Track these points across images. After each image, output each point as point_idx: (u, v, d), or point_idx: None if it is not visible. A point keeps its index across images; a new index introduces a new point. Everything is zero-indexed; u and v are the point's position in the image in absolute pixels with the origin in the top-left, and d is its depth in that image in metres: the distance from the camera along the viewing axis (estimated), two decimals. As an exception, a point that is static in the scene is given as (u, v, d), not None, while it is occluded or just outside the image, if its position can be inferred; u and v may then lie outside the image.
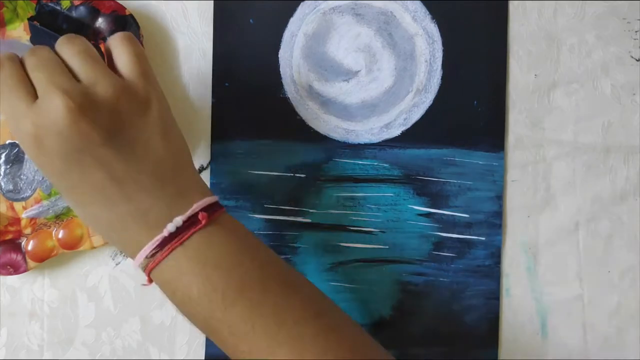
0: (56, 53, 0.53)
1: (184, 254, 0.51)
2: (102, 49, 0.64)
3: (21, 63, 0.51)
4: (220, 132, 0.67)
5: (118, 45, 0.54)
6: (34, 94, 0.49)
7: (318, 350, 0.50)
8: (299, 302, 0.52)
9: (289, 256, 0.67)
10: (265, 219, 0.67)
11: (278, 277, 0.53)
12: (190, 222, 0.51)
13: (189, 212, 0.51)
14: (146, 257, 0.51)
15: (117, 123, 0.50)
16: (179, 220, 0.51)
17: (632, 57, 0.68)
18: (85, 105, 0.48)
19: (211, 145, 0.67)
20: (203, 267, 0.51)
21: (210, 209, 0.52)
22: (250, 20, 0.67)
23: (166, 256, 0.51)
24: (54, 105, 0.48)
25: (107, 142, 0.49)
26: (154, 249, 0.51)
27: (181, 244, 0.51)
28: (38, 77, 0.49)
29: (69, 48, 0.52)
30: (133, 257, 0.52)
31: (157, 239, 0.51)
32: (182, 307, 0.53)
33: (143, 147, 0.51)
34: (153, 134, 0.52)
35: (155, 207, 0.51)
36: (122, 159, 0.50)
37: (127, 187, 0.51)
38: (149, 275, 0.53)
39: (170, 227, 0.51)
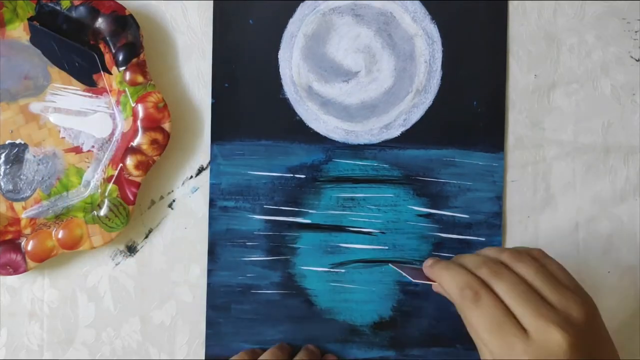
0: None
1: None
2: (102, 49, 0.64)
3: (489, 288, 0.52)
4: (220, 132, 0.67)
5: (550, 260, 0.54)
6: (521, 327, 0.49)
7: None
8: None
9: (288, 257, 0.67)
10: (265, 219, 0.67)
11: None
12: None
13: None
14: None
15: (591, 342, 0.50)
16: None
17: (631, 57, 0.68)
18: (577, 335, 0.48)
19: (211, 145, 0.67)
20: None
21: None
22: (250, 21, 0.67)
23: None
24: (555, 340, 0.48)
25: None
26: None
27: None
28: (521, 308, 0.49)
29: (524, 265, 0.52)
30: None
31: None
32: None
33: (607, 356, 0.51)
34: (607, 339, 0.52)
35: None
36: None
37: None
38: None
39: None
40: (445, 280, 0.53)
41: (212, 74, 0.67)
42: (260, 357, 0.63)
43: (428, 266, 0.56)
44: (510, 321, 0.49)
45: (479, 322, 0.50)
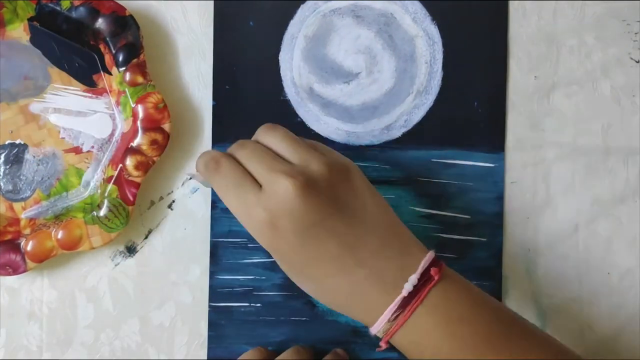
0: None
1: (425, 312, 0.51)
2: (102, 50, 0.64)
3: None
4: (221, 134, 0.67)
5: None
6: (257, 184, 0.51)
7: None
8: (539, 345, 0.52)
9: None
10: (266, 220, 0.67)
11: (511, 321, 0.54)
12: (424, 280, 0.51)
13: (419, 269, 0.52)
14: (388, 321, 0.51)
15: (335, 194, 0.52)
16: (414, 279, 0.51)
17: (631, 58, 0.69)
18: (308, 182, 0.50)
19: (212, 147, 0.67)
20: (447, 324, 0.51)
21: (435, 263, 0.53)
22: (250, 23, 0.67)
23: (409, 317, 0.51)
24: (282, 188, 0.50)
25: (334, 212, 0.51)
26: (395, 311, 0.51)
27: (421, 302, 0.51)
28: (256, 167, 0.52)
29: (272, 135, 0.55)
30: (372, 323, 0.52)
31: (397, 300, 0.51)
32: None
33: (361, 211, 0.53)
34: (364, 197, 0.54)
35: (388, 268, 0.52)
36: (350, 226, 0.52)
37: (360, 253, 0.52)
38: (387, 340, 0.52)
39: (407, 287, 0.51)
40: (198, 163, 0.56)
41: (213, 76, 0.67)
42: (279, 357, 0.63)
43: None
44: (246, 180, 0.52)
45: (220, 186, 0.53)
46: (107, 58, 0.65)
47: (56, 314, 0.67)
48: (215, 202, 0.67)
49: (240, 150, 0.54)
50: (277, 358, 0.63)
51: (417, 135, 0.68)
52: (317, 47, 0.68)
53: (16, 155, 0.66)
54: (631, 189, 0.68)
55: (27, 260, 0.63)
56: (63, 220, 0.64)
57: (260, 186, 0.51)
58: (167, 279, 0.67)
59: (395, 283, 0.51)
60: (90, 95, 0.66)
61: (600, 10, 0.68)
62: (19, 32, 0.65)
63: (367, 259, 0.52)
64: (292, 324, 0.67)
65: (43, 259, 0.64)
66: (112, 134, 0.66)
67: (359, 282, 0.52)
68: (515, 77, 0.68)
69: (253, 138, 0.56)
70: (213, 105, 0.67)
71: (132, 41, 0.64)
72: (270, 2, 0.67)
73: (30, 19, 0.65)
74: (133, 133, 0.64)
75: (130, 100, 0.64)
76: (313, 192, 0.50)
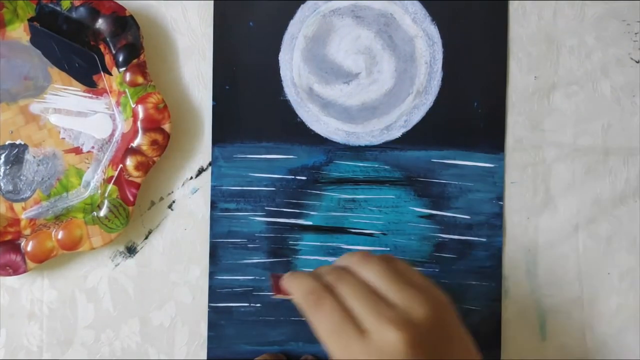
0: None
1: None
2: (102, 50, 0.64)
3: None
4: (221, 134, 0.67)
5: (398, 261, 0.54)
6: (359, 328, 0.48)
7: None
8: None
9: (290, 258, 0.67)
10: (266, 221, 0.67)
11: None
12: None
13: None
14: None
15: (436, 340, 0.49)
16: None
17: (631, 58, 0.69)
18: (416, 334, 0.47)
19: (212, 147, 0.67)
20: None
21: None
22: (250, 23, 0.67)
23: None
24: (392, 341, 0.47)
25: None
26: None
27: None
28: (360, 309, 0.49)
29: (368, 269, 0.51)
30: None
31: None
32: None
33: (451, 354, 0.50)
34: (455, 336, 0.51)
35: None
36: None
37: None
38: None
39: None
40: (293, 288, 0.52)
41: (213, 76, 0.67)
42: None
43: (284, 279, 0.54)
44: (349, 323, 0.48)
45: (320, 326, 0.49)
46: (107, 58, 0.65)
47: (56, 314, 0.67)
48: (215, 203, 0.67)
49: (340, 284, 0.50)
50: None
51: (417, 136, 0.68)
52: (317, 48, 0.68)
53: (16, 155, 0.66)
54: (631, 189, 0.69)
55: (28, 261, 0.63)
56: (63, 221, 0.64)
57: (364, 330, 0.48)
58: (167, 279, 0.67)
59: None
60: (90, 95, 0.66)
61: (600, 10, 0.68)
62: (19, 32, 0.65)
63: None
64: (291, 324, 0.67)
65: (43, 259, 0.64)
66: (112, 135, 0.66)
67: None
68: (515, 77, 0.68)
69: (343, 263, 0.53)
70: (213, 105, 0.67)
71: (132, 41, 0.64)
72: (270, 2, 0.67)
73: (30, 19, 0.65)
74: (133, 133, 0.64)
75: (130, 100, 0.64)
76: (420, 346, 0.47)
